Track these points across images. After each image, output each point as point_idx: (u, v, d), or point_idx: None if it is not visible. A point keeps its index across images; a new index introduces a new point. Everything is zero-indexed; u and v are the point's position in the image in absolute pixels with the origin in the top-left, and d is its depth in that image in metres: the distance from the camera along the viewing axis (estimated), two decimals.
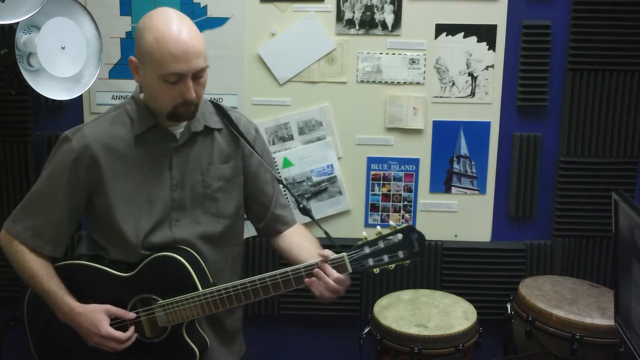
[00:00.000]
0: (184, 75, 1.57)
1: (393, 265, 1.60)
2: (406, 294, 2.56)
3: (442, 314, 2.39)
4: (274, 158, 2.61)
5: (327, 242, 1.76)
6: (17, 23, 2.09)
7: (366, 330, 2.43)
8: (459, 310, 2.41)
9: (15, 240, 1.73)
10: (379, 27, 2.58)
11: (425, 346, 2.23)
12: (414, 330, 2.26)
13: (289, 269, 1.63)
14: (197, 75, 1.60)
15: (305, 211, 1.83)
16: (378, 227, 1.61)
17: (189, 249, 1.72)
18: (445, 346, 2.25)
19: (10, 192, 2.71)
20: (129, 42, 2.60)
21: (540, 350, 2.28)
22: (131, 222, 1.70)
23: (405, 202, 2.70)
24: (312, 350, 2.87)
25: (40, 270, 1.71)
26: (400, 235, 1.58)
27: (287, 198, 1.84)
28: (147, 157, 1.71)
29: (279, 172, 2.61)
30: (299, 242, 1.83)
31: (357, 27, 2.58)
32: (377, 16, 2.57)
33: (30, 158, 2.69)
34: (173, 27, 1.57)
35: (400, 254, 1.58)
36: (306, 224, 1.85)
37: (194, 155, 1.73)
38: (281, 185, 1.88)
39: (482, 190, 2.69)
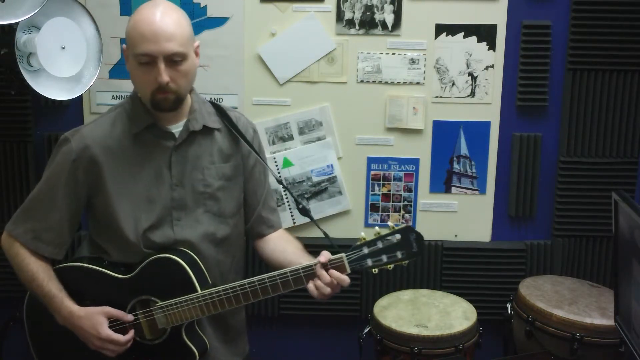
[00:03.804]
0: (155, 57, 1.58)
1: (392, 265, 1.60)
2: (406, 294, 2.56)
3: (442, 314, 2.39)
4: (274, 158, 2.61)
5: (326, 242, 1.76)
6: (17, 23, 2.09)
7: (366, 330, 2.42)
8: (459, 310, 2.41)
9: (16, 243, 1.73)
10: (379, 27, 2.58)
11: (425, 346, 2.23)
12: (414, 330, 2.26)
13: (287, 270, 1.63)
14: (172, 60, 1.59)
15: (305, 211, 1.83)
16: (376, 227, 1.62)
17: (187, 250, 1.72)
18: (445, 346, 2.25)
19: (10, 192, 2.71)
20: None
21: (540, 350, 2.28)
22: (131, 221, 1.70)
23: (405, 202, 2.70)
24: (312, 350, 2.87)
25: (40, 274, 1.70)
26: (398, 236, 1.58)
27: (287, 198, 1.84)
28: (146, 156, 1.71)
29: (279, 173, 2.61)
30: (284, 245, 1.83)
31: (357, 27, 2.58)
32: (377, 16, 2.57)
33: (30, 158, 2.69)
34: (152, 11, 1.60)
35: (399, 254, 1.59)
36: (305, 224, 1.86)
37: (193, 154, 1.74)
38: (281, 186, 1.88)
39: (482, 190, 2.69)
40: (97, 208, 1.73)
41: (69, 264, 1.78)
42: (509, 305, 2.49)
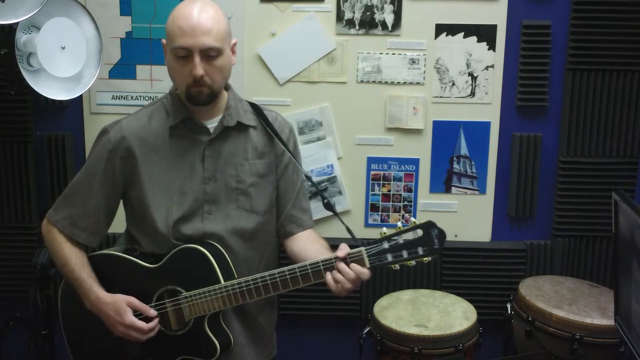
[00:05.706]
0: (191, 50, 1.62)
1: (413, 262, 1.57)
2: (406, 294, 2.56)
3: (442, 314, 2.39)
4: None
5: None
6: (17, 23, 2.09)
7: (366, 330, 2.43)
8: (459, 310, 2.41)
9: (53, 228, 1.79)
10: (379, 27, 2.58)
11: (425, 346, 2.23)
12: (414, 330, 2.26)
13: (307, 262, 1.64)
14: (207, 55, 1.63)
15: (329, 206, 1.84)
16: (399, 223, 1.60)
17: (214, 243, 1.74)
18: (445, 346, 2.25)
19: (10, 192, 2.71)
20: (129, 42, 2.61)
21: (540, 350, 2.28)
22: (163, 211, 1.74)
23: (405, 202, 2.70)
24: (312, 350, 2.87)
25: (73, 259, 1.76)
26: (420, 231, 1.55)
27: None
28: (180, 149, 1.76)
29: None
30: (311, 244, 1.83)
31: (357, 27, 2.58)
32: (377, 16, 2.57)
33: (30, 158, 2.68)
34: (190, 7, 1.65)
35: (420, 250, 1.56)
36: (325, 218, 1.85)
37: (227, 149, 1.77)
38: (309, 182, 1.90)
39: (482, 190, 2.69)
40: (132, 198, 1.78)
41: (102, 251, 1.84)
42: (509, 305, 2.49)
